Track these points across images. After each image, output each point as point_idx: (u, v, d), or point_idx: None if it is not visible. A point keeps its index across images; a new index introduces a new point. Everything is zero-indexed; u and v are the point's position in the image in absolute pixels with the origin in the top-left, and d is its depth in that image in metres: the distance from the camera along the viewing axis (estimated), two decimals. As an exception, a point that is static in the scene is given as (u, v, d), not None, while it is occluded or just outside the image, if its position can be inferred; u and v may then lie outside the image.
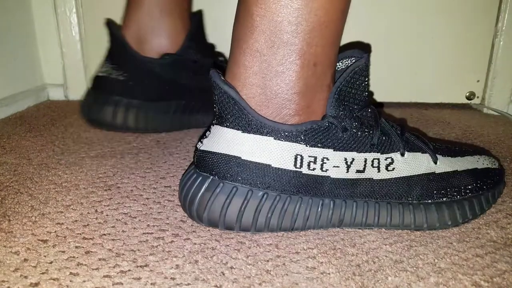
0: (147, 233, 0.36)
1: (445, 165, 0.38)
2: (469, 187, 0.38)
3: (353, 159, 0.35)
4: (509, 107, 0.79)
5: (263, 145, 0.34)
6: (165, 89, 0.61)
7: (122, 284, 0.29)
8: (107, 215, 0.39)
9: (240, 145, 0.34)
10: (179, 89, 0.61)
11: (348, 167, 0.35)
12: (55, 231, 0.36)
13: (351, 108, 0.35)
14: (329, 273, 0.31)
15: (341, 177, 0.35)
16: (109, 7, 0.82)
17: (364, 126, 0.35)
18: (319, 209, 0.36)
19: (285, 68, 0.34)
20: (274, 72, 0.34)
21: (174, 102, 0.62)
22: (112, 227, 0.37)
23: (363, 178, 0.36)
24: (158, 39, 0.61)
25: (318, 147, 0.34)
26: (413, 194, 0.37)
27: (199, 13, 0.64)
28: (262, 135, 0.34)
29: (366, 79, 0.35)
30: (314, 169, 0.35)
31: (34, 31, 0.82)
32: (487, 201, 0.39)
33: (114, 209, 0.40)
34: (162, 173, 0.49)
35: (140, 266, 0.31)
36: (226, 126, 0.35)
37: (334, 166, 0.35)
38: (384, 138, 0.36)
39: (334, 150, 0.35)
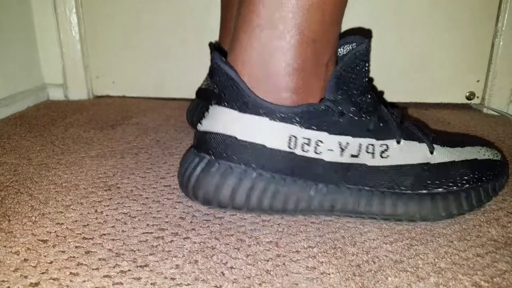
0: (147, 232, 0.36)
1: (442, 155, 0.38)
2: (466, 178, 0.38)
3: (347, 143, 0.35)
4: (509, 107, 0.79)
5: (258, 125, 0.35)
6: None
7: (122, 284, 0.29)
8: (107, 215, 0.39)
9: (236, 124, 0.35)
10: None
11: (342, 151, 0.36)
12: (55, 231, 0.36)
13: (350, 92, 0.35)
14: (329, 273, 0.31)
15: (334, 160, 0.36)
16: (109, 7, 0.82)
17: (362, 111, 0.36)
18: (312, 193, 0.36)
19: (284, 42, 0.34)
20: (274, 47, 0.35)
21: None
22: (112, 227, 0.37)
23: (357, 163, 0.36)
24: None
25: (312, 129, 0.35)
26: (406, 183, 0.37)
27: None
28: (258, 115, 0.34)
29: (367, 65, 0.35)
30: (307, 151, 0.35)
31: (34, 31, 0.82)
32: (486, 194, 0.39)
33: (114, 209, 0.40)
34: (162, 173, 0.49)
35: (140, 266, 0.31)
36: (224, 106, 0.35)
37: (328, 149, 0.35)
38: (381, 124, 0.36)
39: (329, 134, 0.35)
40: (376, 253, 0.33)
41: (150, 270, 0.31)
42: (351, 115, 0.35)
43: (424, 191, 0.37)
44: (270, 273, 0.31)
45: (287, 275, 0.31)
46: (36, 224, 0.37)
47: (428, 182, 0.37)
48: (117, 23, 0.83)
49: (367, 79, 0.36)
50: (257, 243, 0.35)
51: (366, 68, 0.35)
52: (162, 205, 0.41)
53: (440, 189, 0.37)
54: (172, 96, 0.86)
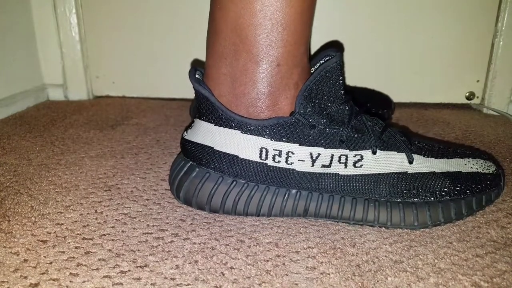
0: (147, 233, 0.36)
1: (421, 165, 0.38)
2: (446, 189, 0.37)
3: (319, 154, 0.36)
4: (509, 107, 0.79)
5: (231, 138, 0.37)
6: None
7: (122, 284, 0.29)
8: (106, 216, 0.39)
9: (212, 136, 0.38)
10: None
11: (314, 161, 0.37)
12: (55, 232, 0.36)
13: (322, 105, 0.36)
14: (329, 274, 0.31)
15: (306, 170, 0.37)
16: (109, 7, 0.82)
17: (334, 123, 0.36)
18: (285, 198, 0.38)
19: (248, 70, 0.36)
20: (239, 74, 0.36)
21: None
22: (112, 227, 0.37)
23: (329, 173, 0.37)
24: None
25: (283, 141, 0.36)
26: (380, 192, 0.37)
27: None
28: (231, 128, 0.36)
29: (340, 78, 0.36)
30: (279, 161, 0.37)
31: (34, 32, 0.82)
32: (468, 207, 0.38)
33: (114, 209, 0.40)
34: (162, 174, 0.49)
35: (140, 267, 0.31)
36: (203, 120, 0.38)
37: (299, 160, 0.37)
38: (356, 135, 0.37)
39: (300, 145, 0.36)
40: (376, 254, 0.33)
41: (150, 270, 0.31)
42: (322, 127, 0.36)
43: (398, 200, 0.37)
44: (270, 273, 0.31)
45: (287, 275, 0.31)
46: (36, 224, 0.37)
47: (404, 191, 0.37)
48: (117, 23, 0.83)
49: (343, 91, 0.37)
50: (257, 243, 0.35)
51: (341, 81, 0.36)
52: (162, 207, 0.41)
53: (416, 199, 0.37)
54: (172, 96, 0.86)
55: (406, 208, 0.37)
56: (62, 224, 0.37)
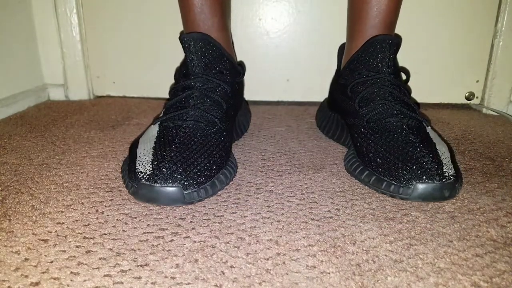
0: (147, 232, 0.36)
1: None
2: None
3: None
4: (508, 107, 0.79)
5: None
6: None
7: (122, 283, 0.29)
8: (107, 215, 0.39)
9: None
10: None
11: None
12: (56, 231, 0.36)
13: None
14: (329, 273, 0.31)
15: None
16: (110, 7, 0.82)
17: None
18: None
19: None
20: None
21: None
22: (113, 226, 0.37)
23: None
24: None
25: None
26: None
27: None
28: None
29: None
30: None
31: (35, 31, 0.82)
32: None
33: (115, 209, 0.40)
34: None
35: (141, 266, 0.31)
36: None
37: None
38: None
39: None
40: (376, 253, 0.33)
41: (150, 269, 0.31)
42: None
43: None
44: (270, 272, 0.31)
45: (287, 274, 0.31)
46: (37, 223, 0.37)
47: None
48: (117, 23, 0.83)
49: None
50: (257, 241, 0.35)
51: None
52: (162, 207, 0.41)
53: None
54: (172, 96, 0.86)
55: None
56: (63, 223, 0.37)
